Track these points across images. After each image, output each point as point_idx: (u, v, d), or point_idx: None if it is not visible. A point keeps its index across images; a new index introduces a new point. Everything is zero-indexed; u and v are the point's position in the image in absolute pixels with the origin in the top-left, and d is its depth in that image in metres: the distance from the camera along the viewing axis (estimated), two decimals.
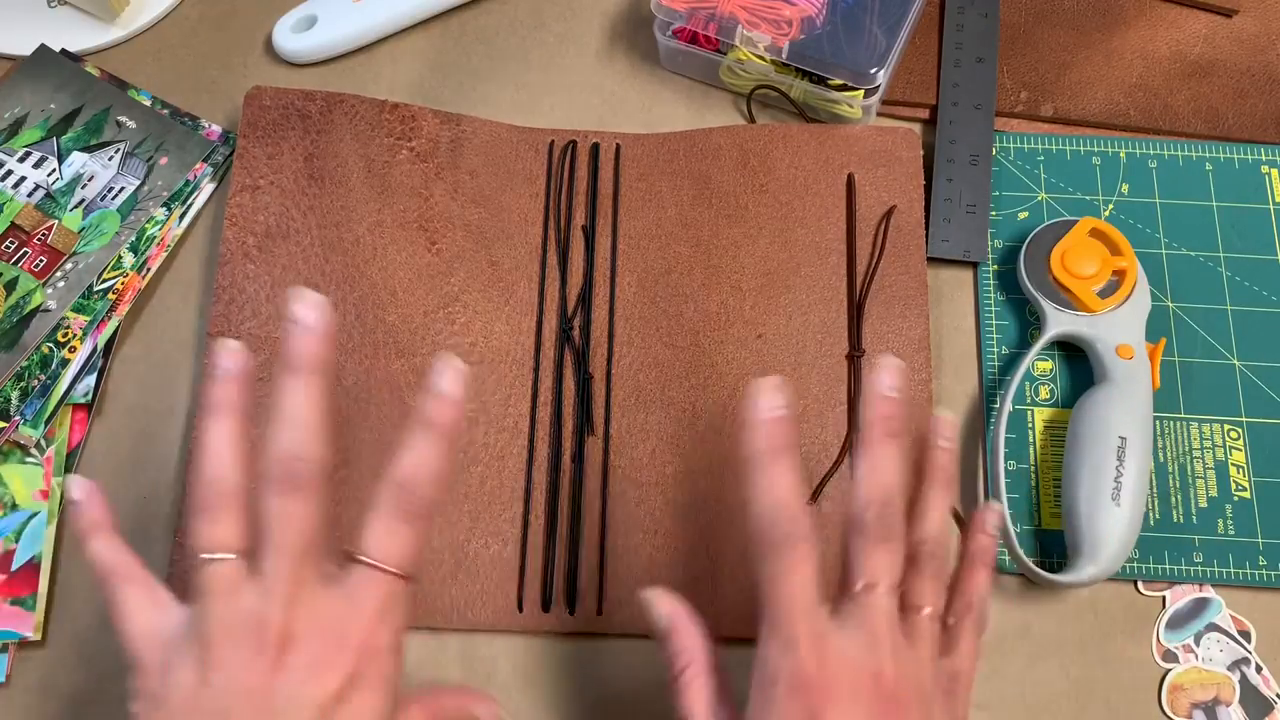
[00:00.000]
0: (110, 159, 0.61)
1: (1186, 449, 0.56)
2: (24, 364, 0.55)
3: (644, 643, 0.52)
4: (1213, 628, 0.53)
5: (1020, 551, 0.51)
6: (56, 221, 0.59)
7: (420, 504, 0.39)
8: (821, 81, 0.60)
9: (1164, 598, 0.53)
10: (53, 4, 0.66)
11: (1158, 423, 0.56)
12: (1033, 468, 0.55)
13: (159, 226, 0.59)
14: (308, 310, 0.39)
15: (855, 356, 0.57)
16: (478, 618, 0.52)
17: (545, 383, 0.57)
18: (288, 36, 0.65)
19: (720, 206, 0.60)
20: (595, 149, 0.62)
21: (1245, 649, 0.52)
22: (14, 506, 0.54)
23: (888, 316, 0.58)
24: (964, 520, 0.54)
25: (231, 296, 0.57)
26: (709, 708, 0.41)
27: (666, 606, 0.43)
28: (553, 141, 0.62)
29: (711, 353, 0.57)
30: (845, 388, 0.56)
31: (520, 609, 0.52)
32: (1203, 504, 0.54)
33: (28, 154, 0.61)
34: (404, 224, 0.59)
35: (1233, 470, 0.55)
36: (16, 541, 0.53)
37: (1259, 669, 0.52)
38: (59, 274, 0.57)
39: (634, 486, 0.54)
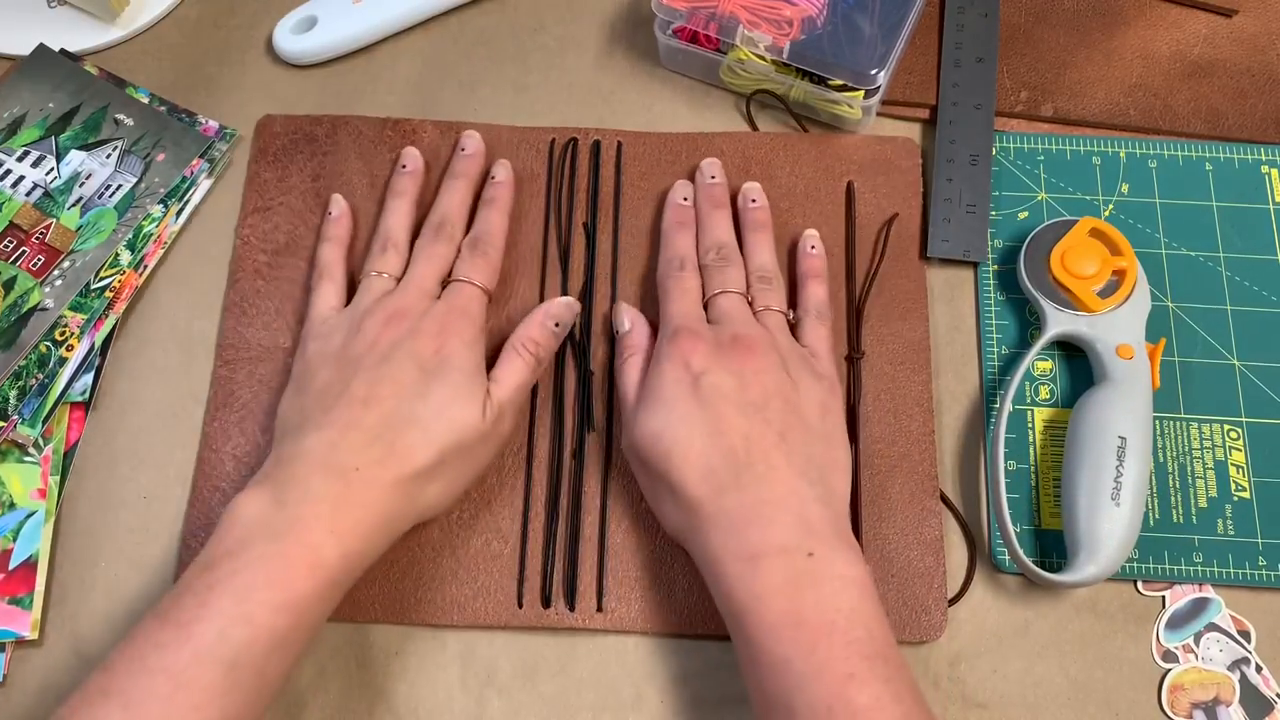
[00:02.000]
0: (108, 156, 0.61)
1: (1186, 449, 0.56)
2: (21, 363, 0.55)
3: (645, 639, 0.52)
4: (1212, 628, 0.53)
5: (1020, 551, 0.51)
6: (54, 220, 0.59)
7: (487, 244, 0.56)
8: (822, 82, 0.60)
9: (1164, 598, 0.53)
10: (53, 4, 0.66)
11: (1158, 423, 0.56)
12: (1033, 468, 0.55)
13: (156, 224, 0.59)
14: (468, 142, 0.61)
15: (854, 359, 0.57)
16: (478, 614, 0.52)
17: (546, 379, 0.57)
18: (288, 38, 0.65)
19: None
20: (596, 147, 0.62)
21: (1245, 649, 0.52)
22: (11, 505, 0.53)
23: (887, 319, 0.58)
24: (951, 502, 0.55)
25: (243, 310, 0.58)
26: (638, 378, 0.54)
27: (630, 314, 0.57)
28: (553, 140, 0.62)
29: None
30: (845, 389, 0.56)
31: (520, 605, 0.52)
32: (1203, 504, 0.54)
33: (26, 153, 0.60)
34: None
35: (1232, 470, 0.55)
36: (14, 540, 0.53)
37: (1259, 669, 0.52)
38: (56, 272, 0.57)
39: (634, 483, 0.54)
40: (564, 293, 0.59)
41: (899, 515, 0.54)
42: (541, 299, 0.58)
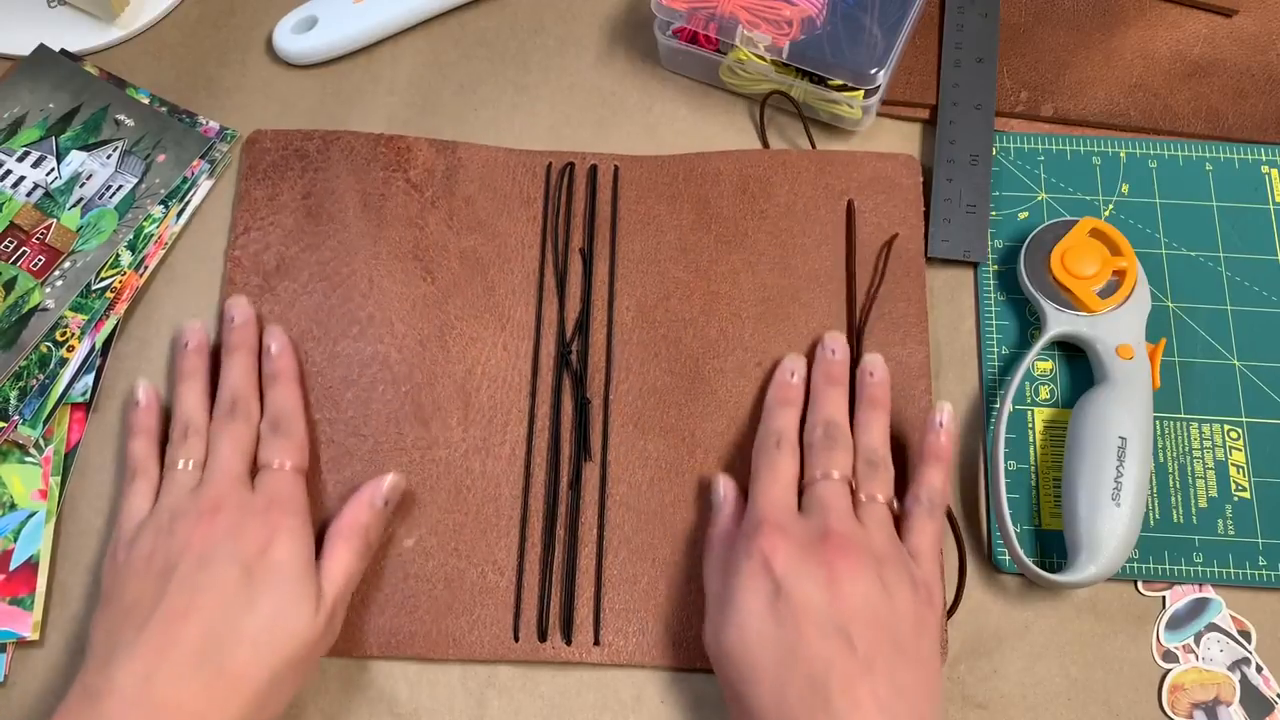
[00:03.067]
0: (109, 157, 0.61)
1: (1186, 449, 0.56)
2: (22, 363, 0.55)
3: (641, 673, 0.52)
4: (1213, 628, 0.53)
5: (1020, 551, 0.51)
6: (55, 220, 0.59)
7: (286, 422, 0.52)
8: (821, 82, 0.60)
9: (1164, 598, 0.53)
10: (53, 4, 0.66)
11: (1158, 423, 0.56)
12: (1033, 468, 0.55)
13: (156, 224, 0.59)
14: (235, 311, 0.56)
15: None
16: (474, 648, 0.52)
17: (542, 408, 0.56)
18: (288, 38, 0.65)
19: (720, 232, 0.60)
20: (593, 171, 0.61)
21: (1245, 649, 0.52)
22: (12, 506, 0.53)
23: (888, 344, 0.57)
24: (955, 521, 0.54)
25: None
26: (722, 566, 0.50)
27: (726, 486, 0.53)
28: (550, 164, 0.62)
29: (711, 380, 0.56)
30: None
31: (517, 639, 0.52)
32: (1203, 504, 0.54)
33: (26, 153, 0.61)
34: (399, 256, 0.59)
35: (1233, 470, 0.55)
36: (15, 541, 0.53)
37: (1259, 669, 0.52)
38: (57, 273, 0.57)
39: (632, 514, 0.54)
40: (560, 316, 0.58)
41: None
42: (538, 326, 0.58)
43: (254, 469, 0.51)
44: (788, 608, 0.44)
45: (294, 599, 0.46)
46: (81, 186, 0.60)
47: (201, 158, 0.61)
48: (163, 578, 0.45)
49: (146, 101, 0.63)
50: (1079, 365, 0.57)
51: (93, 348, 0.56)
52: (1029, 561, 0.51)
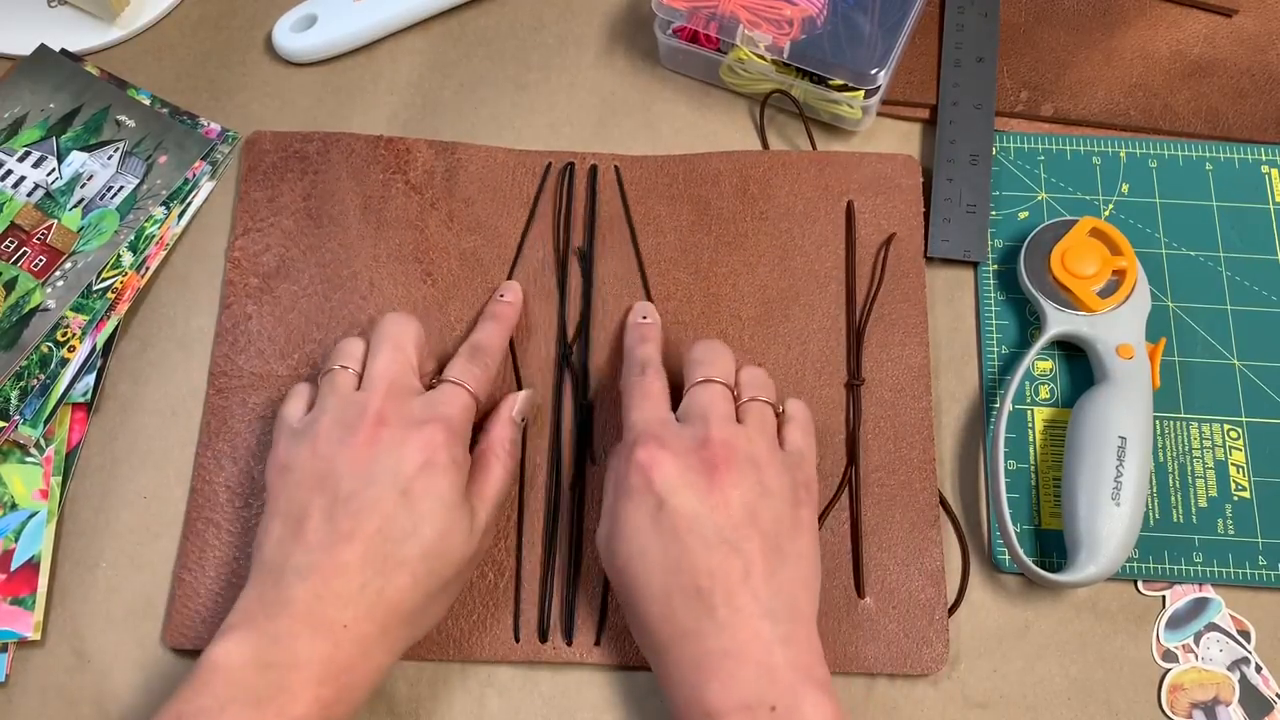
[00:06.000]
0: (109, 158, 0.61)
1: (1186, 449, 0.56)
2: (23, 363, 0.55)
3: (643, 675, 0.52)
4: (1212, 627, 0.53)
5: (1020, 551, 0.51)
6: (56, 221, 0.59)
7: (486, 355, 0.52)
8: (822, 81, 0.60)
9: (1164, 597, 0.53)
10: (53, 4, 0.66)
11: (1158, 423, 0.56)
12: (1033, 468, 0.55)
13: (158, 225, 0.59)
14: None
15: (854, 385, 0.56)
16: (474, 649, 0.51)
17: (543, 410, 0.56)
18: (288, 35, 0.65)
19: (720, 233, 0.60)
20: (593, 171, 0.61)
21: (1245, 649, 0.52)
22: (13, 506, 0.53)
23: (888, 345, 0.57)
24: (951, 509, 0.54)
25: (235, 338, 0.57)
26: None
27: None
28: (550, 164, 0.62)
29: None
30: (845, 416, 0.56)
31: (517, 640, 0.52)
32: (1203, 504, 0.54)
33: (27, 153, 0.61)
34: (400, 257, 0.59)
35: (1233, 470, 0.55)
36: (16, 541, 0.53)
37: (1259, 669, 0.52)
38: (58, 273, 0.57)
39: None
40: (561, 318, 0.58)
41: (900, 546, 0.53)
42: (539, 327, 0.58)
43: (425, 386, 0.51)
44: (670, 521, 0.45)
45: (450, 523, 0.46)
46: (82, 187, 0.60)
47: (203, 159, 0.61)
48: (327, 494, 0.46)
49: (147, 103, 0.63)
50: (1079, 365, 0.57)
51: (94, 348, 0.57)
52: (1029, 561, 0.51)
